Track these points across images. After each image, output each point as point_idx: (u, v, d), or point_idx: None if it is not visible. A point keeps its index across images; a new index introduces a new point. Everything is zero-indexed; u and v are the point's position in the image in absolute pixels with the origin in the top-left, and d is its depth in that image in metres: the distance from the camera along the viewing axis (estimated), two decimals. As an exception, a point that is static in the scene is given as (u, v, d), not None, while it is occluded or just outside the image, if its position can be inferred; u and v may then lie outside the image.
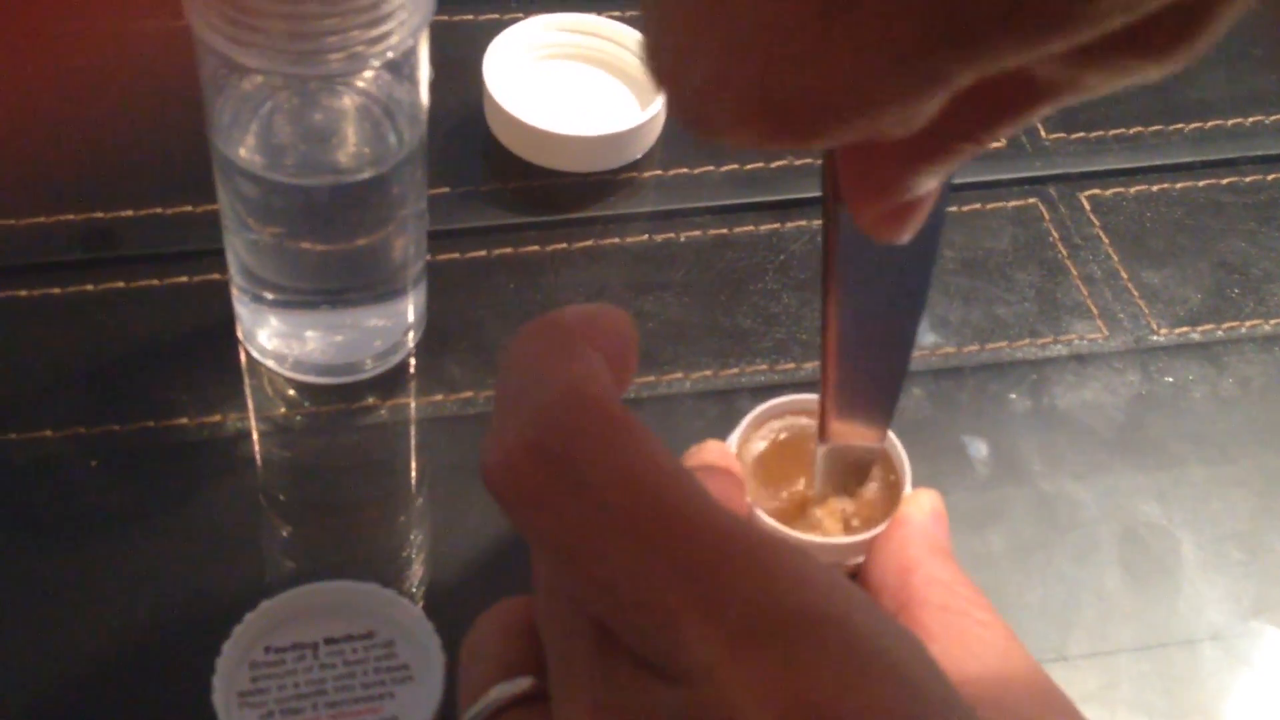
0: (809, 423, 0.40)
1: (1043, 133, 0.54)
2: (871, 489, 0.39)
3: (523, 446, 0.22)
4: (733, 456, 0.38)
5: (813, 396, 0.40)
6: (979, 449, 0.44)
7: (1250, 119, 0.56)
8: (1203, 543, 0.42)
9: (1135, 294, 0.49)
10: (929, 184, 0.26)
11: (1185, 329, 0.48)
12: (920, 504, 0.36)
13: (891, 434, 0.39)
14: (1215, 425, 0.45)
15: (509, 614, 0.27)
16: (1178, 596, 0.41)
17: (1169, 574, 0.42)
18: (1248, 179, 0.54)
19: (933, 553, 0.34)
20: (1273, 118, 0.56)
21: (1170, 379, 0.47)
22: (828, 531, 0.37)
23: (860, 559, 0.37)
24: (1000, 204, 0.52)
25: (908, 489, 0.39)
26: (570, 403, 0.22)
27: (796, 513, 0.39)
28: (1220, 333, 0.48)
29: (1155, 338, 0.48)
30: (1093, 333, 0.48)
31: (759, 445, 0.40)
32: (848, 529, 0.37)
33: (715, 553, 0.22)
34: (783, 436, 0.41)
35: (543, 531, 0.22)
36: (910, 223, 0.28)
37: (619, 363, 0.24)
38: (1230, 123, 0.55)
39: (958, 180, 0.52)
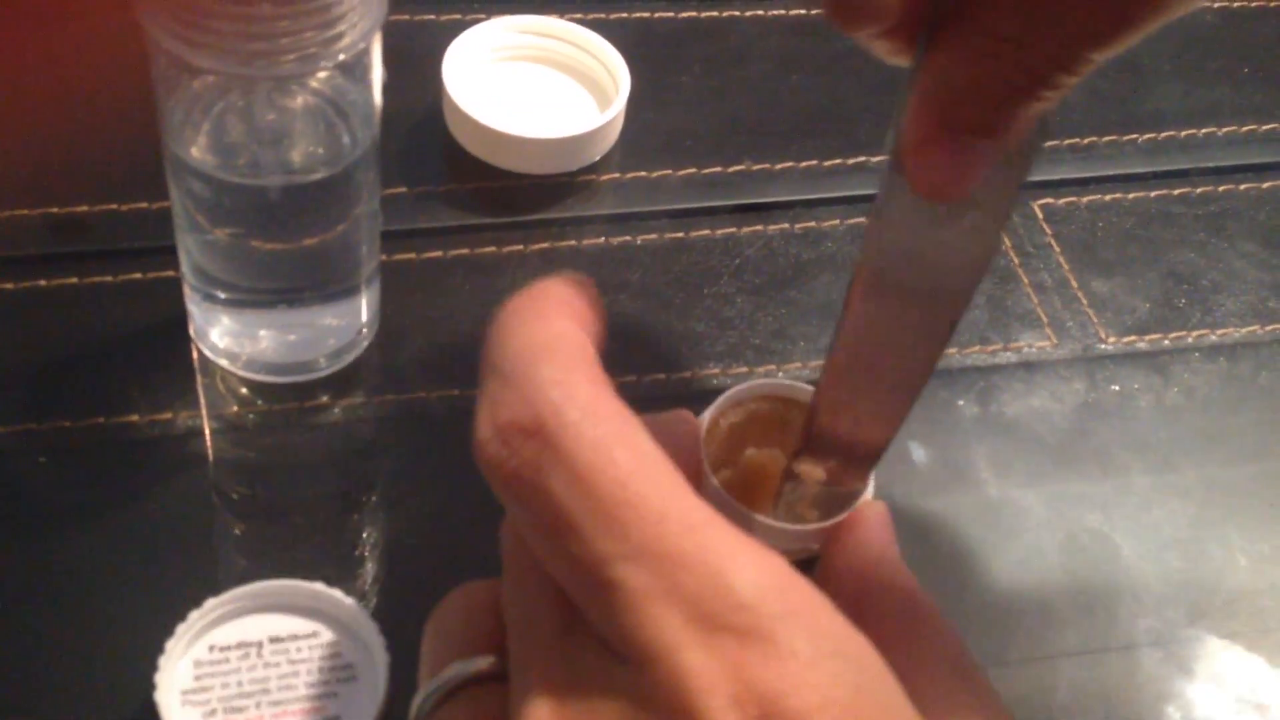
0: (789, 405, 0.41)
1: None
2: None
3: (514, 425, 0.23)
4: (694, 421, 0.37)
5: (802, 385, 0.40)
6: (925, 454, 0.45)
7: (1203, 130, 0.56)
8: (1144, 550, 0.43)
9: (1084, 303, 0.50)
10: (1016, 121, 0.29)
11: (1133, 338, 0.49)
12: (875, 511, 0.36)
13: None
14: (1159, 434, 0.46)
15: (473, 595, 0.28)
16: (1118, 603, 0.42)
17: (1110, 581, 0.42)
18: (1199, 190, 0.54)
19: (887, 561, 0.35)
20: (1225, 130, 0.56)
21: (1116, 387, 0.47)
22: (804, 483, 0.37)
23: (814, 547, 0.37)
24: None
25: (870, 489, 0.39)
26: (561, 385, 0.23)
27: (755, 481, 0.40)
28: (1167, 342, 0.49)
29: (1103, 346, 0.48)
30: (1041, 341, 0.48)
31: (734, 418, 0.41)
32: (805, 516, 0.37)
33: (683, 541, 0.23)
34: (763, 409, 0.41)
35: (526, 507, 0.23)
36: (970, 178, 0.30)
37: (597, 336, 0.25)
38: (1183, 134, 0.56)
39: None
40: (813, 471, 0.36)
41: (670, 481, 0.23)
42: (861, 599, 0.34)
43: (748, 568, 0.23)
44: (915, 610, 0.32)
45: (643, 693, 0.23)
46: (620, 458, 0.23)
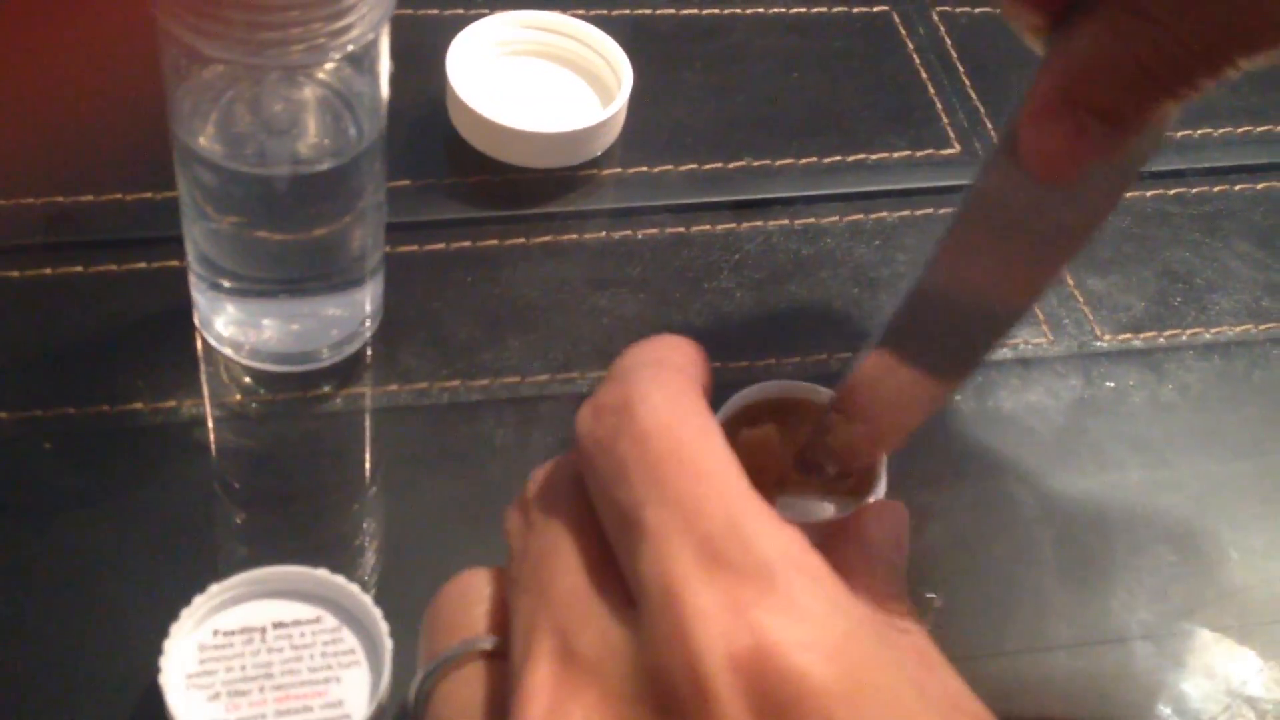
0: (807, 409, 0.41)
1: (996, 140, 0.55)
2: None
3: (606, 405, 0.26)
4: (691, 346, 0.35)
5: (812, 385, 0.41)
6: (922, 449, 0.45)
7: (1199, 131, 0.57)
8: (1138, 544, 0.44)
9: (1080, 300, 0.50)
10: (1141, 112, 0.30)
11: (1128, 335, 0.49)
12: (883, 524, 0.34)
13: None
14: (1153, 431, 0.47)
15: (473, 582, 0.29)
16: (1111, 596, 0.42)
17: (1104, 574, 0.43)
18: (1194, 191, 0.55)
19: (873, 562, 0.33)
20: (1220, 131, 0.57)
21: (1111, 384, 0.48)
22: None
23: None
24: (953, 209, 0.53)
25: (882, 485, 0.40)
26: (655, 379, 0.26)
27: (754, 465, 0.40)
28: (1162, 340, 0.49)
29: (1098, 343, 0.49)
30: (1038, 337, 0.49)
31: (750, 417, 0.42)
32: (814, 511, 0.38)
33: (714, 498, 0.24)
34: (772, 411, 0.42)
35: (595, 466, 0.26)
36: (1079, 161, 0.31)
37: (704, 377, 0.28)
38: (1179, 135, 0.56)
39: (913, 186, 0.53)
40: (842, 427, 0.36)
41: (723, 459, 0.25)
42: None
43: (769, 528, 0.24)
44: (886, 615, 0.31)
45: (645, 631, 0.23)
46: (683, 433, 0.25)
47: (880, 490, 0.41)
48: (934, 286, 0.34)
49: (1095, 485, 0.45)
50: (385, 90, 0.39)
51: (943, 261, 0.33)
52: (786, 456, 0.41)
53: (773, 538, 0.24)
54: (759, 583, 0.23)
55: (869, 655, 0.23)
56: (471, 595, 0.28)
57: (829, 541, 0.33)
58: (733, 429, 0.41)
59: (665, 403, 0.25)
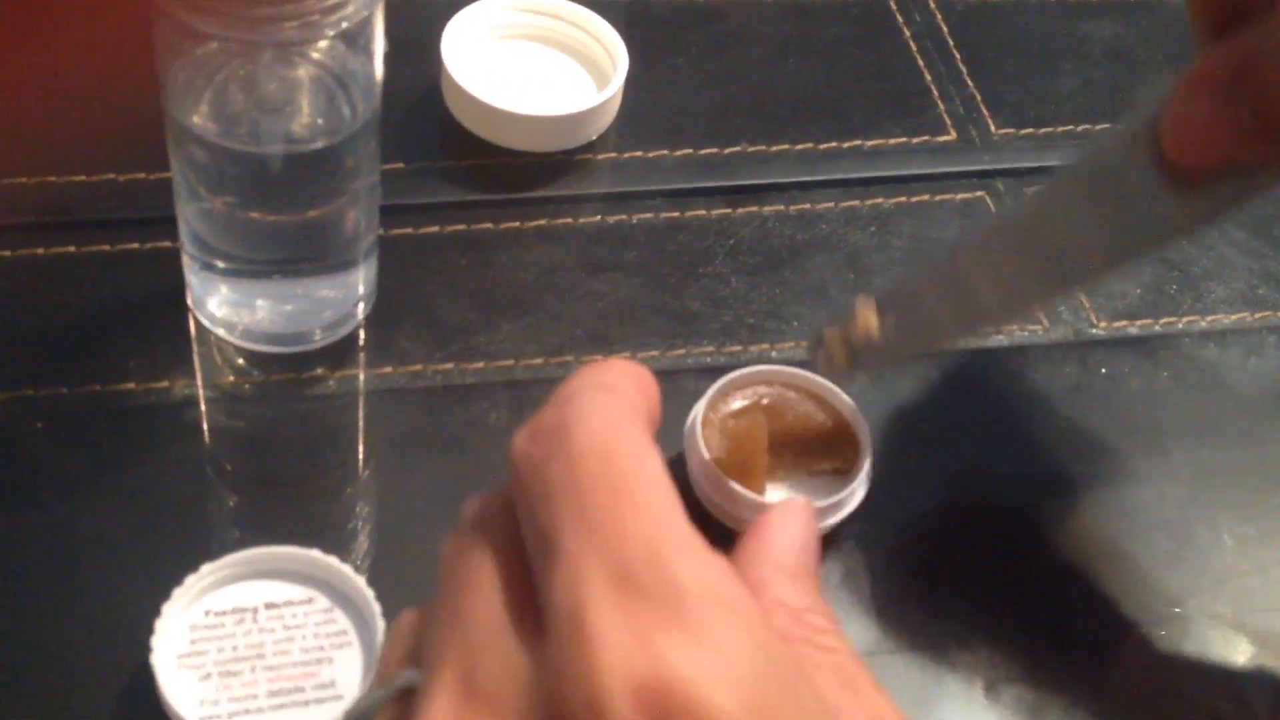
0: (790, 394, 0.42)
1: (992, 127, 0.55)
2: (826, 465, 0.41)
3: (544, 427, 0.25)
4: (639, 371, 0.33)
5: (795, 370, 0.41)
6: (916, 436, 0.45)
7: (1195, 121, 0.57)
8: (1132, 531, 0.43)
9: (1076, 287, 0.50)
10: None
11: (1124, 323, 0.49)
12: (787, 523, 0.31)
13: (860, 417, 0.40)
14: (1149, 418, 0.47)
15: (405, 619, 0.28)
16: (1106, 583, 0.42)
17: (1097, 561, 0.43)
18: (1190, 179, 0.55)
19: (785, 574, 0.30)
20: (1217, 120, 0.57)
21: (1106, 371, 0.48)
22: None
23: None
24: (948, 196, 0.53)
25: (865, 466, 0.40)
26: (596, 403, 0.25)
27: (741, 455, 0.40)
28: (1158, 328, 0.49)
29: (1094, 331, 0.49)
30: (1033, 324, 0.49)
31: (737, 404, 0.42)
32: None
33: (638, 524, 0.23)
34: (764, 401, 0.42)
35: (526, 489, 0.25)
36: (1220, 152, 0.31)
37: (652, 404, 0.27)
38: (1175, 124, 0.56)
39: (908, 172, 0.53)
40: (867, 316, 0.35)
41: (655, 486, 0.24)
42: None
43: (689, 557, 0.23)
44: (806, 631, 0.29)
45: (548, 658, 0.22)
46: (617, 458, 0.24)
47: (863, 474, 0.41)
48: (1019, 220, 0.33)
49: (1090, 472, 0.45)
50: (379, 69, 0.39)
51: (1038, 198, 0.33)
52: (773, 445, 0.41)
53: (691, 566, 0.23)
54: (668, 611, 0.22)
55: (779, 687, 0.22)
56: (402, 631, 0.28)
57: (739, 555, 0.31)
58: (720, 418, 0.42)
59: (603, 428, 0.24)
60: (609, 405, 0.25)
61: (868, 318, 0.36)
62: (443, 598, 0.26)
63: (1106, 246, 0.34)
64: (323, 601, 0.37)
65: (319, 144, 0.39)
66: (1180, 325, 0.50)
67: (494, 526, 0.26)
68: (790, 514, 0.31)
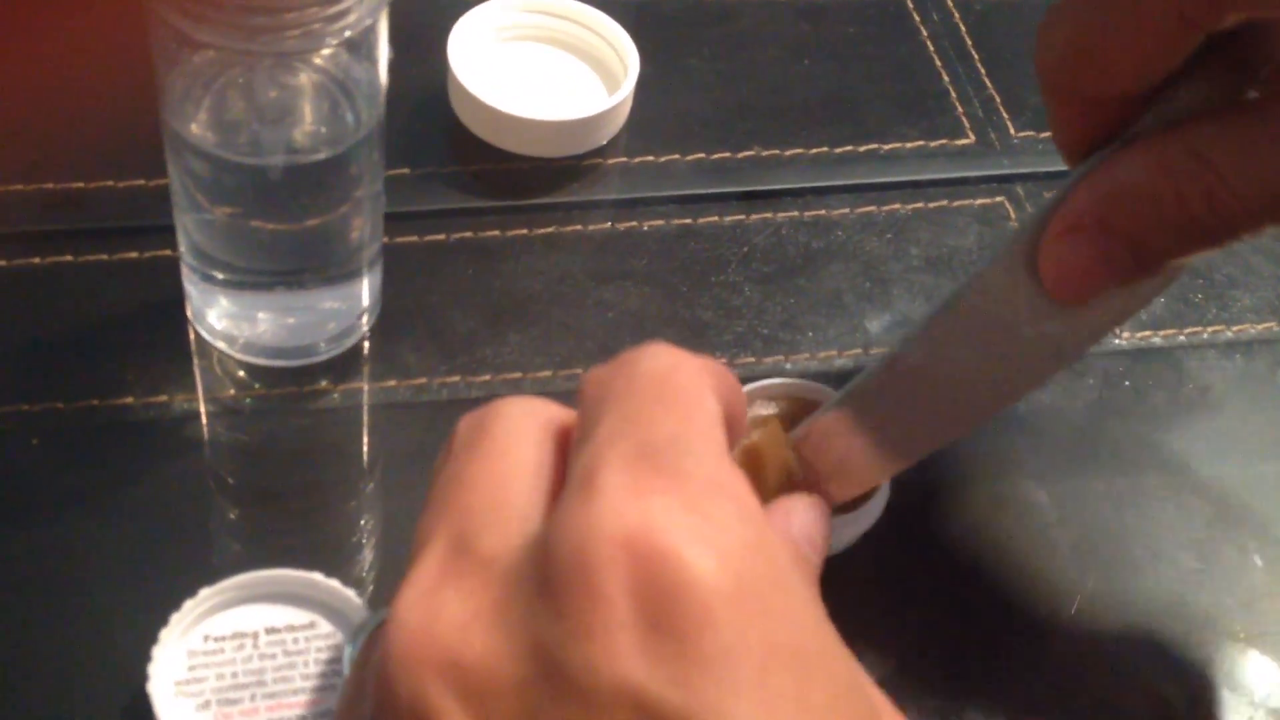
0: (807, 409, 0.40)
1: (1012, 130, 0.54)
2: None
3: (617, 359, 0.26)
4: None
5: (811, 384, 0.40)
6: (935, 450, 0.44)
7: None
8: (1158, 550, 0.42)
9: (1099, 297, 0.49)
10: (1172, 252, 0.31)
11: (1147, 333, 0.48)
12: (794, 509, 0.32)
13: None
14: (1173, 431, 0.45)
15: None
16: (1131, 604, 0.41)
17: (1123, 580, 0.42)
18: (1215, 184, 0.53)
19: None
20: (1242, 123, 0.55)
21: (1129, 383, 0.46)
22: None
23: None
24: (967, 201, 0.51)
25: (884, 491, 0.39)
26: (668, 347, 0.26)
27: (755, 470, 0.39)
28: (1182, 338, 0.48)
29: (1117, 341, 0.48)
30: (1055, 335, 0.48)
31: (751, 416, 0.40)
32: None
33: (674, 417, 0.24)
34: (780, 415, 0.41)
35: (586, 399, 0.25)
36: (1097, 288, 0.31)
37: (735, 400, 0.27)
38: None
39: (926, 177, 0.52)
40: (813, 459, 0.35)
41: (705, 410, 0.24)
42: None
43: (714, 456, 0.23)
44: None
45: (549, 519, 0.23)
46: (674, 381, 0.25)
47: (882, 495, 0.40)
48: (909, 362, 0.33)
49: (1114, 487, 0.44)
50: (384, 77, 0.38)
51: (924, 339, 0.33)
52: (787, 460, 0.40)
53: (711, 461, 0.23)
54: (675, 483, 0.22)
55: (768, 570, 0.22)
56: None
57: None
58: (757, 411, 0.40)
59: (671, 362, 0.25)
60: (684, 355, 0.26)
61: (811, 456, 0.35)
62: (434, 491, 0.26)
63: (995, 380, 0.34)
64: (325, 626, 0.36)
65: (321, 154, 0.38)
66: (1205, 335, 0.48)
67: (523, 416, 0.26)
68: (801, 502, 0.31)
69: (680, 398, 0.24)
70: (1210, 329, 0.48)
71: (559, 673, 0.21)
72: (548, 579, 0.22)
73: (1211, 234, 0.30)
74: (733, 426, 0.26)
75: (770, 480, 0.39)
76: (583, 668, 0.21)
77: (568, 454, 0.25)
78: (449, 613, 0.22)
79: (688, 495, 0.22)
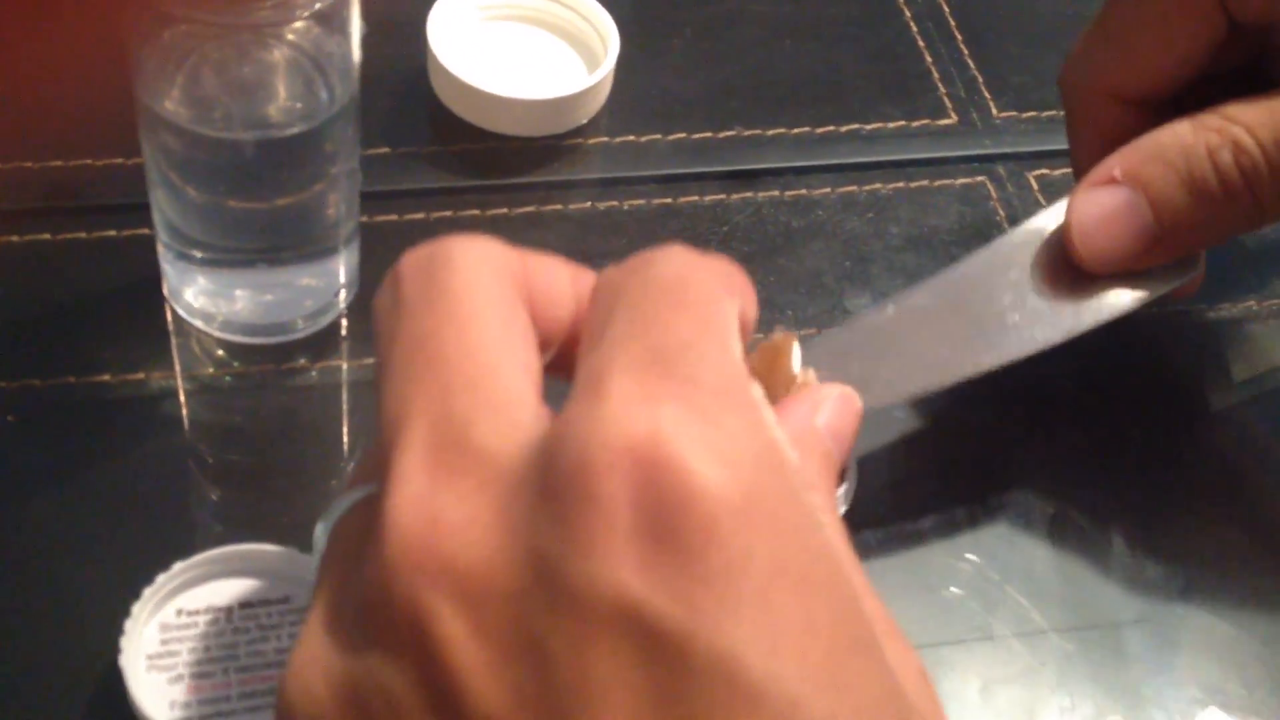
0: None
1: (994, 110, 0.54)
2: None
3: (634, 257, 0.26)
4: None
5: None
6: (913, 424, 0.44)
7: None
8: (1134, 525, 0.42)
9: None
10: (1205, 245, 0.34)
11: (1127, 312, 0.48)
12: (823, 400, 0.30)
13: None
14: (1154, 409, 0.45)
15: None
16: (1107, 579, 0.41)
17: (1099, 557, 0.42)
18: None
19: (799, 444, 0.28)
20: (1225, 103, 0.55)
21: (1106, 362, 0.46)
22: None
23: None
24: (948, 181, 0.51)
25: (852, 471, 0.38)
26: (684, 250, 0.26)
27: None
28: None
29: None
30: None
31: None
32: None
33: (687, 321, 0.23)
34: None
35: (599, 298, 0.25)
36: (1117, 251, 0.34)
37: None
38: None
39: (908, 157, 0.52)
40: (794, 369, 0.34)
41: (720, 313, 0.24)
42: None
43: (728, 362, 0.23)
44: None
45: (556, 422, 0.22)
46: (690, 284, 0.24)
47: (850, 481, 0.39)
48: (912, 304, 0.34)
49: (1092, 465, 0.44)
50: (357, 52, 0.38)
51: (927, 290, 0.35)
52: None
53: (724, 365, 0.22)
54: (686, 388, 0.21)
55: (777, 484, 0.21)
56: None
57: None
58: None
59: (687, 265, 0.24)
60: (699, 257, 0.25)
61: (800, 374, 0.34)
62: (410, 328, 0.24)
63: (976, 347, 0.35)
64: (299, 601, 0.36)
65: (295, 129, 0.38)
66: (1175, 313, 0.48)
67: (480, 264, 0.25)
68: (832, 392, 0.30)
69: (695, 302, 0.23)
70: (1182, 308, 0.48)
71: (556, 582, 0.20)
72: (549, 485, 0.21)
73: (1235, 197, 0.30)
74: (746, 331, 0.25)
75: (780, 385, 0.37)
76: (581, 578, 0.20)
77: (534, 312, 0.24)
78: (447, 517, 0.21)
79: (699, 403, 0.21)
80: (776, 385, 0.36)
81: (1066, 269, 0.36)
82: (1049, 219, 0.37)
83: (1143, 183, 0.33)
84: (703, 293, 0.24)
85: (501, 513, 0.21)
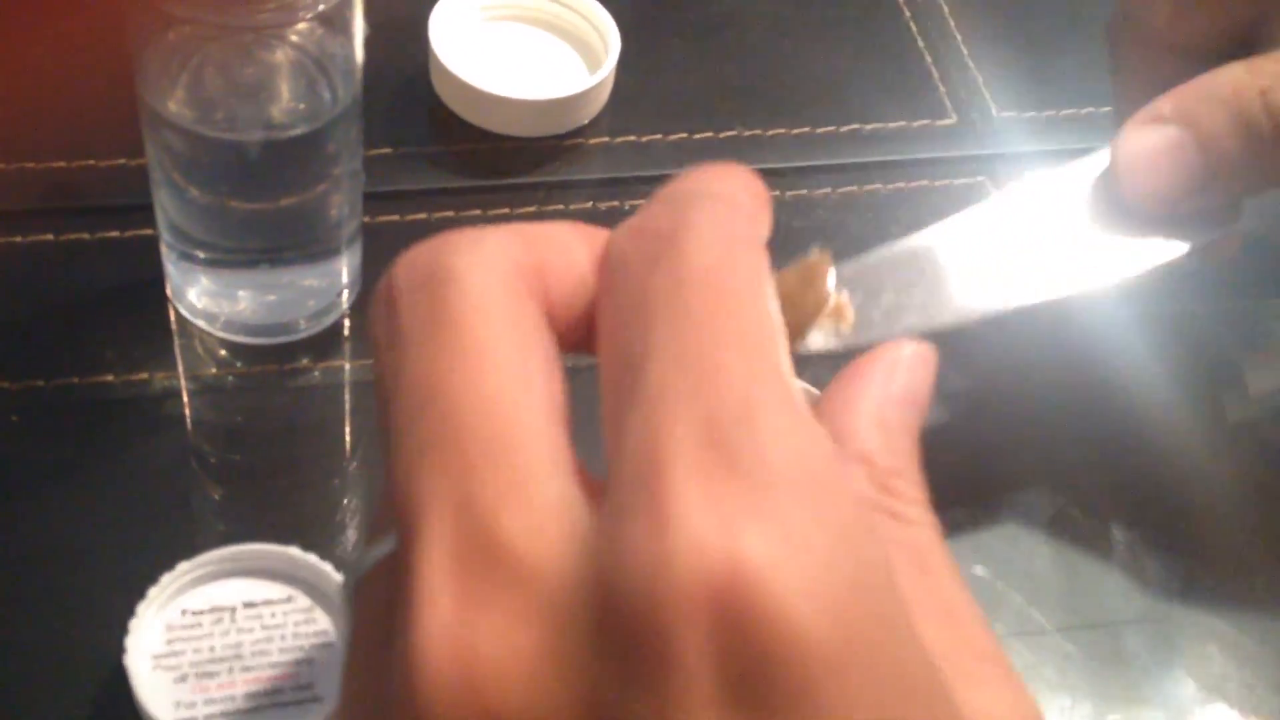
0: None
1: (994, 110, 0.54)
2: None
3: (650, 225, 0.22)
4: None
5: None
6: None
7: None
8: (1134, 525, 0.42)
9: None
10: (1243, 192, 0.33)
11: (1127, 312, 0.48)
12: (894, 367, 0.27)
13: None
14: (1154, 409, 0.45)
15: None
16: (1107, 579, 0.41)
17: (1099, 556, 0.42)
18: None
19: (879, 426, 0.26)
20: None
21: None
22: None
23: None
24: (948, 181, 0.52)
25: None
26: (707, 205, 0.22)
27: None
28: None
29: (1097, 320, 0.48)
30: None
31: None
32: None
33: (736, 362, 0.20)
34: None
35: (616, 287, 0.22)
36: (1162, 185, 0.33)
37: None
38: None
39: (908, 157, 0.52)
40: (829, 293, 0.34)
41: (766, 324, 0.21)
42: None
43: (787, 420, 0.19)
44: (887, 499, 0.25)
45: (608, 521, 0.18)
46: (731, 284, 0.21)
47: None
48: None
49: (1092, 464, 0.44)
50: (360, 53, 0.38)
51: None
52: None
53: (785, 432, 0.19)
54: (755, 490, 0.18)
55: (867, 601, 0.18)
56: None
57: (833, 396, 0.26)
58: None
59: (720, 249, 0.21)
60: (727, 222, 0.21)
61: (833, 296, 0.33)
62: (413, 371, 0.20)
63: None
64: (302, 600, 0.36)
65: (299, 130, 0.38)
66: (1185, 314, 0.48)
67: (486, 273, 0.21)
68: (900, 356, 0.26)
69: (740, 319, 0.20)
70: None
71: None
72: (610, 626, 0.18)
73: None
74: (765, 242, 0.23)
75: (811, 305, 0.36)
76: None
77: (602, 380, 0.21)
78: (485, 653, 0.18)
79: (774, 505, 0.18)
80: (807, 305, 0.35)
81: (1110, 212, 0.35)
82: (1096, 161, 0.36)
83: (1191, 120, 0.32)
84: (746, 295, 0.21)
85: (551, 653, 0.18)
